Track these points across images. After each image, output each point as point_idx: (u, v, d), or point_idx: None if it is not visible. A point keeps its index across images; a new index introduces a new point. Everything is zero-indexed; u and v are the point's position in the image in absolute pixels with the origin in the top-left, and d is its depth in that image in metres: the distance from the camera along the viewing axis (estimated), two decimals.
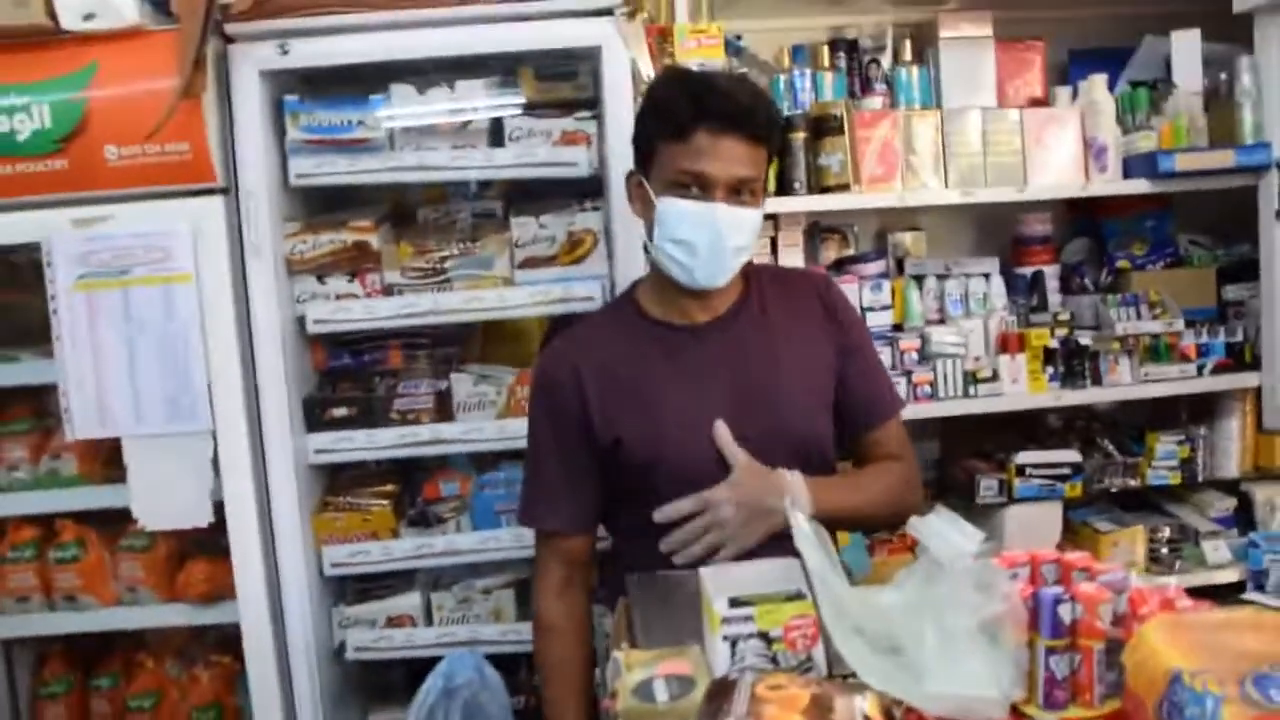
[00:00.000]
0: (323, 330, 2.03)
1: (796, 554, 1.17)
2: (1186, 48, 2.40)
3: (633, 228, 1.93)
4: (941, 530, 1.08)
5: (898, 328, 2.39)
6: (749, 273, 1.63)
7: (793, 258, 2.39)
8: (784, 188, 2.26)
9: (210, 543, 2.00)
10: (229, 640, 2.06)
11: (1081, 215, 2.67)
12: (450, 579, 2.14)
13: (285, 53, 1.88)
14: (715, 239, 1.48)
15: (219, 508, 1.93)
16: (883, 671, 1.02)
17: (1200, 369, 2.39)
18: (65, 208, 1.87)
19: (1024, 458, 2.36)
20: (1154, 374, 2.37)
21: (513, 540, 2.04)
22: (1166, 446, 2.43)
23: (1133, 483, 2.43)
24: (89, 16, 1.78)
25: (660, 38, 2.14)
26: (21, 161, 1.83)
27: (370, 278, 2.04)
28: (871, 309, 2.34)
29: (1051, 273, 2.53)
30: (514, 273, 2.05)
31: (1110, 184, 2.39)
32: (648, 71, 2.02)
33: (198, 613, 2.04)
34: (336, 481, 2.19)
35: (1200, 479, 2.46)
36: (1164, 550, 2.43)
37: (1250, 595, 1.82)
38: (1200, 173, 2.31)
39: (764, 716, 0.94)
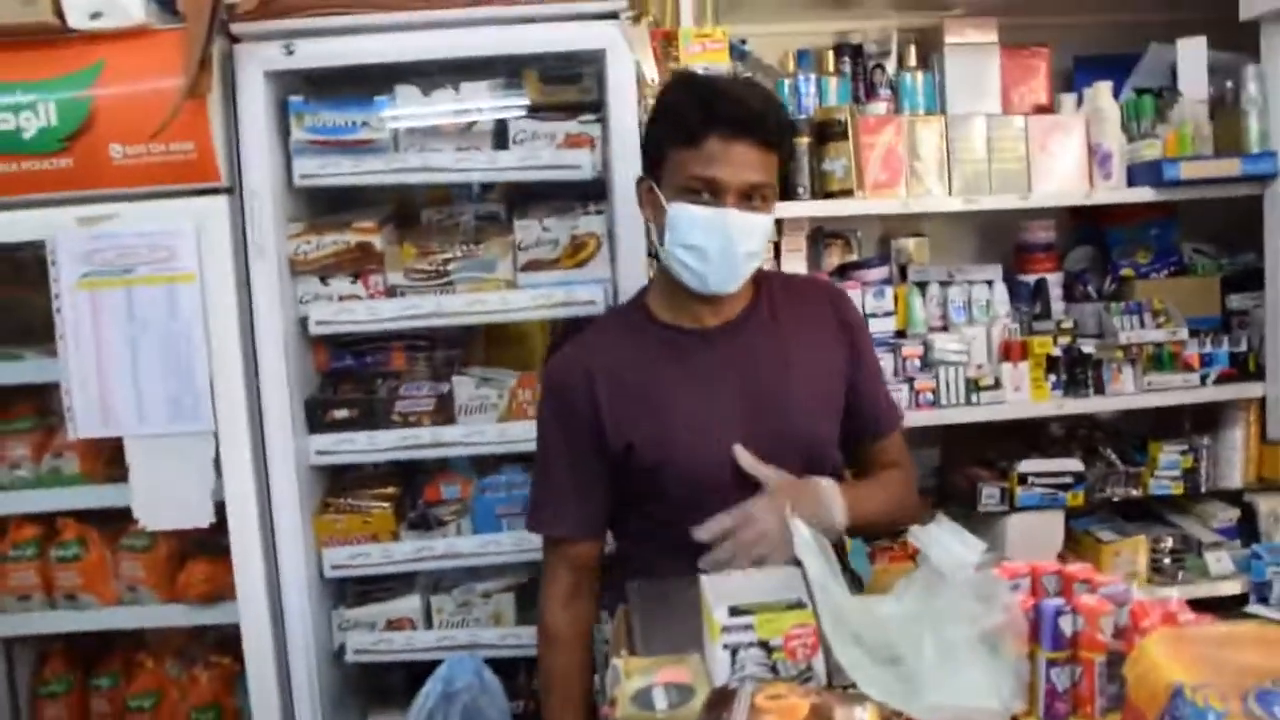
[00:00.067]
0: (325, 331, 2.03)
1: (797, 562, 1.17)
2: (1192, 55, 2.39)
3: (636, 232, 1.94)
4: (943, 540, 1.08)
5: (900, 334, 2.38)
6: (759, 279, 1.63)
7: (795, 263, 2.38)
8: (787, 193, 2.25)
9: (211, 543, 2.00)
10: (229, 641, 2.06)
11: (1085, 223, 2.66)
12: (450, 582, 2.14)
13: (290, 53, 1.88)
14: (727, 244, 1.48)
15: (220, 508, 1.93)
16: (883, 682, 1.02)
17: (1204, 379, 2.37)
18: (70, 206, 1.87)
19: (1026, 466, 2.35)
20: (1157, 383, 2.36)
21: (513, 544, 2.04)
22: (1169, 456, 2.41)
23: (1135, 492, 2.42)
24: (96, 15, 1.79)
25: (665, 41, 2.14)
26: (27, 159, 1.84)
27: (373, 279, 2.04)
28: (874, 315, 2.33)
29: (1055, 280, 2.52)
30: (517, 275, 2.05)
31: (1115, 192, 2.38)
32: (652, 75, 2.02)
33: (198, 613, 2.04)
34: (337, 483, 2.19)
35: (1203, 489, 2.45)
36: (1166, 561, 2.42)
37: (1253, 608, 1.82)
38: (1205, 181, 2.30)
39: None
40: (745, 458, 1.50)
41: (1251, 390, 2.40)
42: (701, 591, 1.16)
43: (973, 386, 2.31)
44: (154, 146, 1.82)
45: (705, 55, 2.10)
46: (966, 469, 2.46)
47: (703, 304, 1.57)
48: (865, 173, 2.31)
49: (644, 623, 1.31)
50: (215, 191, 1.89)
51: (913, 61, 2.48)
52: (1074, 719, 1.02)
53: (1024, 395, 2.33)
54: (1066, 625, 1.02)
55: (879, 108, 2.43)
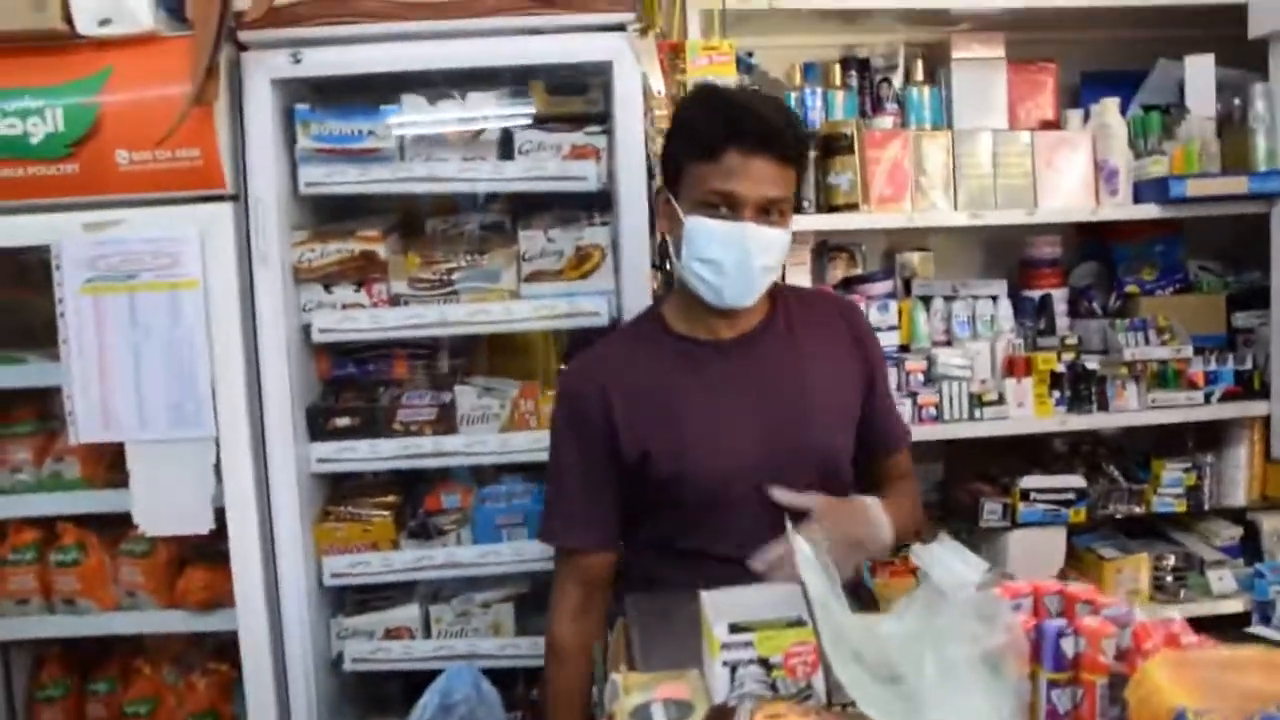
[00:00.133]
0: (328, 340, 2.03)
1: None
2: (1200, 72, 2.39)
3: (640, 244, 1.94)
4: (945, 559, 1.08)
5: (904, 348, 2.38)
6: (775, 292, 1.63)
7: (800, 276, 2.38)
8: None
9: (210, 549, 1.99)
10: (226, 648, 2.05)
11: (1091, 239, 2.66)
12: (449, 592, 2.13)
13: (298, 61, 1.88)
14: (744, 259, 1.48)
15: (220, 514, 1.93)
16: (882, 701, 1.01)
17: (1208, 396, 2.37)
18: (76, 211, 1.87)
19: (1029, 482, 2.35)
20: (1161, 400, 2.36)
21: (512, 555, 2.04)
22: (1173, 474, 2.41)
23: (1138, 509, 2.41)
24: (104, 22, 1.79)
25: (672, 54, 2.14)
26: (33, 164, 1.84)
27: (377, 287, 2.04)
28: (878, 329, 2.29)
29: (1060, 296, 2.52)
30: (520, 286, 2.05)
31: (1121, 208, 2.38)
32: (659, 87, 2.02)
33: (196, 619, 2.03)
34: (338, 491, 2.19)
35: (1206, 507, 2.45)
36: (1169, 579, 2.41)
37: (1256, 629, 1.81)
38: (1212, 199, 2.30)
39: None
40: (784, 495, 1.48)
41: (1256, 408, 2.40)
42: (701, 607, 1.15)
43: (976, 402, 2.31)
44: (160, 153, 1.82)
45: (712, 68, 2.10)
46: (969, 484, 2.46)
47: (718, 316, 1.57)
48: (871, 186, 2.31)
49: (643, 637, 1.31)
50: (220, 199, 1.89)
51: (919, 76, 2.49)
52: None
53: (1027, 411, 2.33)
54: (1068, 646, 1.01)
55: (885, 122, 2.44)
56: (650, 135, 1.96)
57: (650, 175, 1.94)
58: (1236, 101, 2.37)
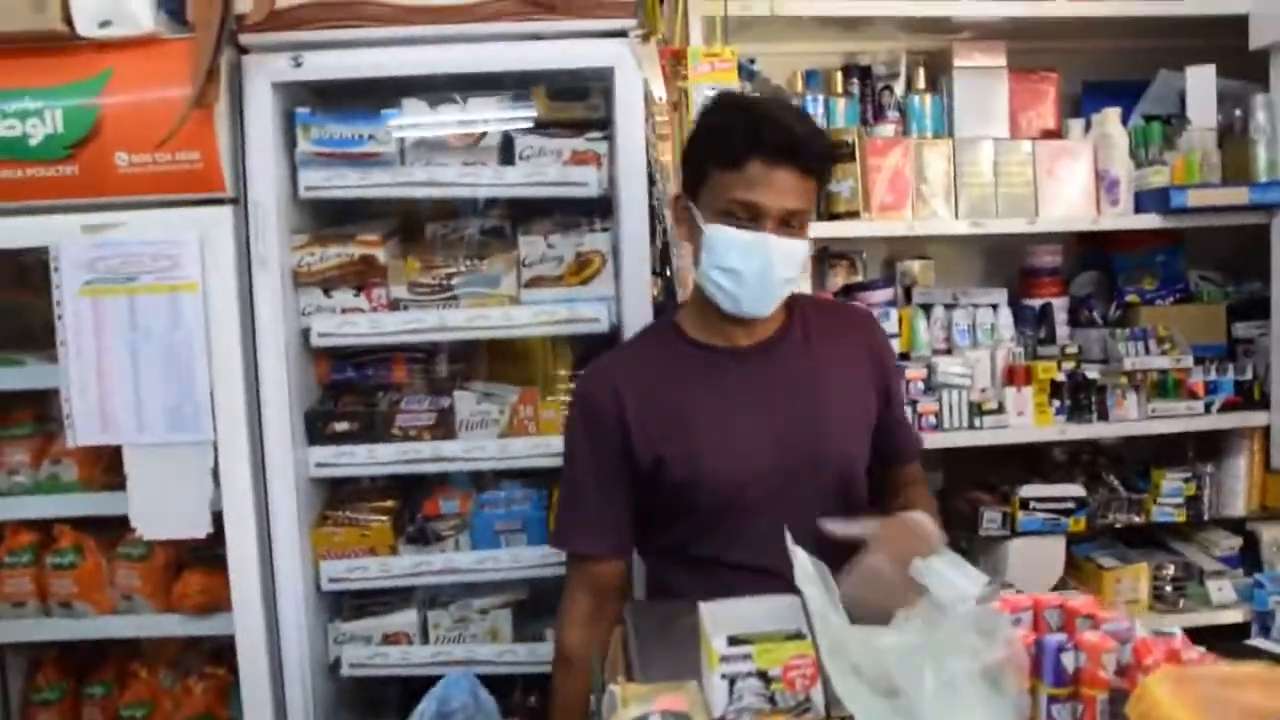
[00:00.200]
0: (327, 344, 2.02)
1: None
2: (1201, 83, 2.39)
3: (641, 250, 1.93)
4: (944, 572, 1.07)
5: (904, 357, 2.37)
6: (791, 301, 1.62)
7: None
8: None
9: (207, 553, 1.99)
10: (223, 652, 2.05)
11: (1092, 248, 2.65)
12: (447, 597, 2.13)
13: (298, 65, 1.88)
14: (765, 269, 1.48)
15: (218, 518, 1.92)
16: (881, 714, 1.00)
17: (1208, 406, 2.37)
18: (75, 213, 1.87)
19: (1028, 491, 2.34)
20: (1161, 410, 2.36)
21: (511, 561, 2.03)
22: (1172, 483, 2.41)
23: (1137, 519, 2.41)
24: (105, 24, 1.78)
25: (674, 60, 2.13)
26: (33, 166, 1.83)
27: (376, 292, 2.03)
28: None
29: (1060, 305, 2.52)
30: (520, 291, 2.05)
31: (1121, 218, 2.38)
32: (660, 94, 2.01)
33: (193, 623, 2.03)
34: (336, 496, 2.18)
35: (1206, 517, 2.44)
36: (1168, 588, 2.41)
37: (1255, 640, 1.80)
38: (1213, 209, 2.30)
39: None
40: (837, 526, 1.43)
41: (1256, 419, 2.40)
42: (700, 619, 1.15)
43: (976, 410, 2.31)
44: (160, 156, 1.82)
45: (714, 75, 2.10)
46: (968, 493, 2.45)
47: (735, 324, 1.57)
48: (872, 194, 2.31)
49: (642, 647, 1.30)
50: (220, 202, 1.88)
51: (921, 84, 2.49)
52: None
53: (1027, 420, 2.33)
54: (1069, 661, 1.01)
55: (887, 130, 2.44)
56: (651, 141, 1.95)
57: (651, 181, 1.94)
58: (1237, 112, 2.37)
